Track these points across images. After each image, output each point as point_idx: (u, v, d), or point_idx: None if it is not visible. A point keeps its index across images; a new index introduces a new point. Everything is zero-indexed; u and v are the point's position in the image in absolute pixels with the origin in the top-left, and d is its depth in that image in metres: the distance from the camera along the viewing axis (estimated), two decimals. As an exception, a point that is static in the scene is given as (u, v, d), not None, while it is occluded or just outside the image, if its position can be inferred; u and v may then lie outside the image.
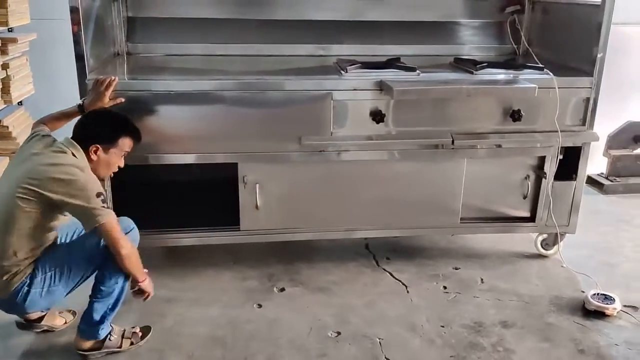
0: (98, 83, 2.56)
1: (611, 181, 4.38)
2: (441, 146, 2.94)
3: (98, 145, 2.31)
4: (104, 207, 2.17)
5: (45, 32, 4.34)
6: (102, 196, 2.18)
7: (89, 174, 2.23)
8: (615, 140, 4.42)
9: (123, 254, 2.21)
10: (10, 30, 4.00)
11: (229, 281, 3.01)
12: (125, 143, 2.41)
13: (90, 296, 2.34)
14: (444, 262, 3.25)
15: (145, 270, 2.37)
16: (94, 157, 2.31)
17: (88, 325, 2.35)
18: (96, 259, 2.27)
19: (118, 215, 2.78)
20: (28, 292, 2.19)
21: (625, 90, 4.55)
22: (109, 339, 2.41)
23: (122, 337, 2.45)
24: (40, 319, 2.52)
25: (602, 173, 4.46)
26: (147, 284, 2.36)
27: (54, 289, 2.24)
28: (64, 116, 2.55)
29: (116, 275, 2.30)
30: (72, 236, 2.46)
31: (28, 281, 2.19)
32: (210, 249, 3.22)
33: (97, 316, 2.33)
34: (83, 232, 2.28)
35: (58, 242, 2.38)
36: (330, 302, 2.84)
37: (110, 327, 2.43)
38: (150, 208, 3.09)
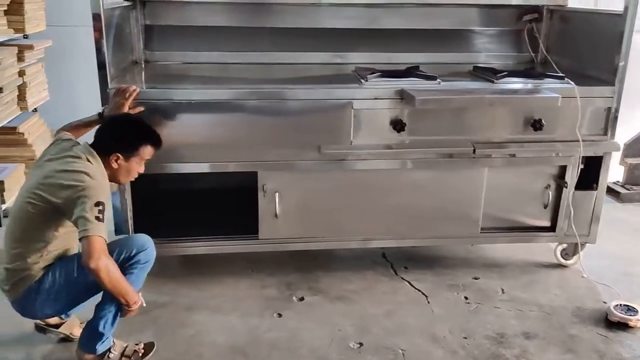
0: (119, 92, 2.56)
1: (627, 189, 4.35)
2: (462, 155, 2.92)
3: (119, 155, 2.30)
4: (98, 218, 2.06)
5: (59, 39, 4.36)
6: (100, 206, 2.09)
7: (98, 182, 2.18)
8: (632, 149, 4.39)
9: (92, 268, 2.04)
10: (25, 37, 4.01)
11: (248, 289, 2.99)
12: (146, 151, 2.40)
13: (95, 306, 2.31)
14: (462, 272, 3.23)
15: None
16: (114, 165, 2.30)
17: (89, 335, 2.32)
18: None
19: (139, 223, 2.82)
20: (36, 297, 2.19)
21: (640, 98, 4.52)
22: (109, 356, 2.35)
23: (122, 354, 2.38)
24: (58, 325, 2.50)
25: (619, 181, 4.43)
26: (135, 309, 2.25)
27: (61, 297, 2.22)
28: (84, 125, 2.54)
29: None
30: None
31: (36, 286, 2.18)
32: (229, 257, 3.21)
33: (96, 328, 2.28)
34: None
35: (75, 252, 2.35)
36: (350, 311, 2.82)
37: (112, 343, 2.36)
38: (169, 216, 3.10)
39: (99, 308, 2.28)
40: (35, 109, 4.25)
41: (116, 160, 2.30)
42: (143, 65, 3.35)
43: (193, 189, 3.33)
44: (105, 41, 2.60)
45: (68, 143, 2.32)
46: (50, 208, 2.13)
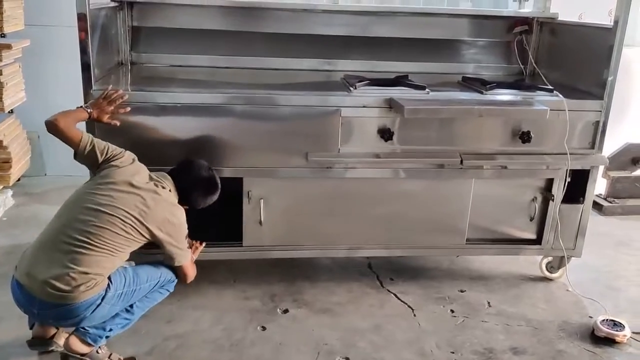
0: (107, 96, 2.49)
1: (610, 202, 4.38)
2: (449, 166, 2.90)
3: (187, 207, 2.48)
4: (188, 249, 2.48)
5: (38, 39, 4.24)
6: (187, 237, 2.46)
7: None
8: (615, 162, 4.41)
9: (188, 282, 2.53)
10: (3, 36, 3.89)
11: (231, 301, 2.91)
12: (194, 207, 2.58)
13: None
14: (448, 284, 3.19)
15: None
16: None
17: (98, 330, 2.28)
18: (154, 288, 2.41)
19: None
20: (99, 305, 2.17)
21: (624, 112, 4.57)
22: (97, 351, 2.34)
23: (109, 358, 2.39)
24: (52, 336, 2.41)
25: (601, 194, 4.46)
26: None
27: (115, 307, 2.26)
28: (76, 121, 2.42)
29: (150, 304, 2.43)
30: None
31: (104, 294, 2.17)
32: (211, 265, 3.12)
33: (109, 326, 2.30)
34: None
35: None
36: (335, 324, 2.76)
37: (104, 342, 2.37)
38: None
39: (129, 307, 2.35)
40: (11, 110, 4.11)
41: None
42: (129, 67, 3.27)
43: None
44: (90, 42, 2.52)
45: (146, 171, 2.42)
46: (147, 234, 2.27)
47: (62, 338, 2.41)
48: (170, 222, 2.32)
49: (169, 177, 2.46)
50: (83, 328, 2.28)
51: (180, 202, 2.46)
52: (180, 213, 2.41)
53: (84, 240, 2.14)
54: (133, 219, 2.22)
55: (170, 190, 2.41)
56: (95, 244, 2.15)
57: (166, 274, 2.43)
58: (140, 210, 2.24)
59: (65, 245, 2.14)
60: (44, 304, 2.12)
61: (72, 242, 2.14)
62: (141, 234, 2.25)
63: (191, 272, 2.51)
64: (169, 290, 2.49)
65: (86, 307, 2.14)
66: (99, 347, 2.33)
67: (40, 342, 2.39)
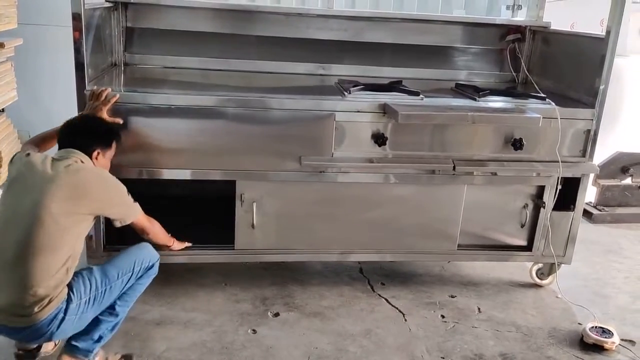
0: (94, 95, 2.47)
1: (600, 210, 4.41)
2: (442, 172, 2.91)
3: (99, 150, 2.29)
4: (135, 202, 2.33)
5: (31, 38, 4.21)
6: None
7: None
8: (605, 170, 4.45)
9: (150, 238, 2.45)
10: (-5, 34, 3.86)
11: (222, 304, 2.90)
12: (115, 146, 2.41)
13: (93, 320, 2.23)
14: (439, 289, 3.20)
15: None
16: (94, 162, 2.27)
17: (86, 342, 2.23)
18: (130, 281, 2.29)
19: (110, 230, 2.71)
20: (63, 319, 2.05)
21: (615, 121, 4.60)
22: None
23: None
24: (40, 346, 2.38)
25: (591, 202, 4.49)
26: (176, 245, 2.71)
27: (85, 315, 2.15)
28: (57, 133, 2.38)
29: (133, 298, 2.32)
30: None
31: (64, 306, 2.05)
32: (202, 269, 3.12)
33: (97, 334, 2.24)
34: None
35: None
36: (326, 328, 2.75)
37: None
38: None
39: (110, 310, 2.26)
40: (2, 109, 4.08)
41: (96, 157, 2.29)
42: (122, 68, 3.26)
43: (168, 196, 3.22)
44: (84, 42, 2.51)
45: (41, 155, 2.19)
46: (89, 212, 2.13)
47: (49, 345, 2.39)
48: (101, 186, 2.17)
49: (71, 150, 2.22)
50: (71, 344, 2.23)
51: (90, 154, 2.25)
52: (99, 172, 2.22)
53: (22, 256, 1.99)
54: (64, 205, 2.04)
55: (79, 161, 2.18)
56: (34, 253, 1.98)
57: (140, 261, 2.30)
58: (67, 194, 2.06)
59: (6, 267, 2.01)
60: (7, 328, 2.04)
61: (8, 259, 2.00)
62: (76, 212, 2.08)
63: (148, 225, 2.40)
64: (150, 277, 2.37)
65: (48, 323, 2.02)
66: (94, 355, 2.28)
67: (26, 355, 2.36)
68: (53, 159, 2.15)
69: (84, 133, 2.29)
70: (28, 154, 2.18)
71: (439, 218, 3.03)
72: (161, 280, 3.00)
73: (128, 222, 2.30)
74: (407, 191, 2.95)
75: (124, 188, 2.27)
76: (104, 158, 2.33)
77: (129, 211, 2.30)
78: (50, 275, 2.01)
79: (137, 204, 2.33)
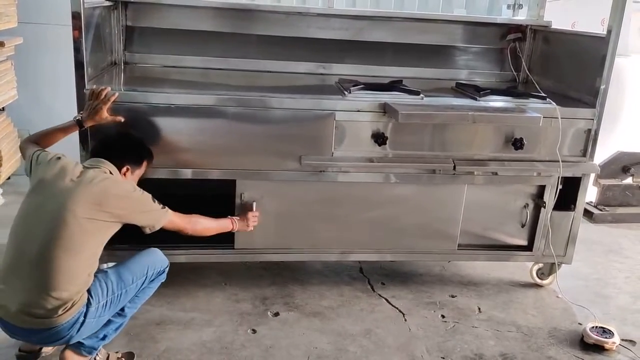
0: (94, 94, 2.46)
1: (600, 210, 4.40)
2: (442, 171, 2.90)
3: (129, 167, 2.37)
4: (163, 208, 2.34)
5: (31, 37, 4.21)
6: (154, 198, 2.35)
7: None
8: (606, 170, 4.44)
9: (197, 234, 2.51)
10: (-5, 33, 3.86)
11: (222, 303, 2.90)
12: (146, 165, 2.51)
13: None
14: (439, 289, 3.19)
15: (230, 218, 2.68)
16: (123, 177, 2.36)
17: (92, 340, 2.24)
18: (143, 285, 2.32)
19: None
20: (83, 322, 2.09)
21: (616, 120, 4.60)
22: (95, 358, 2.30)
23: None
24: (41, 348, 2.39)
25: (592, 202, 4.48)
26: (242, 225, 2.72)
27: (102, 318, 2.18)
28: (61, 132, 2.46)
29: (141, 301, 2.35)
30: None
31: (84, 310, 2.08)
32: (201, 269, 3.11)
33: (103, 333, 2.25)
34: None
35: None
36: (326, 328, 2.75)
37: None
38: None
39: (108, 321, 2.27)
40: (2, 107, 4.08)
41: (125, 174, 2.37)
42: (122, 67, 3.25)
43: (168, 195, 3.21)
44: (84, 40, 2.50)
45: (71, 161, 2.24)
46: (114, 220, 2.17)
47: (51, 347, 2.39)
48: (123, 197, 2.20)
49: (102, 160, 2.30)
50: (77, 343, 2.22)
51: (119, 169, 2.33)
52: (122, 184, 2.27)
53: (45, 256, 2.01)
54: (88, 211, 2.08)
55: (107, 172, 2.25)
56: (57, 254, 2.01)
57: (153, 266, 2.34)
58: (91, 200, 2.10)
59: (28, 266, 2.03)
60: (25, 330, 2.05)
61: (32, 257, 2.03)
62: (99, 219, 2.11)
63: (183, 225, 2.42)
64: (160, 281, 2.41)
65: (69, 327, 2.06)
66: (97, 352, 2.29)
67: (28, 356, 2.37)
68: (84, 166, 2.23)
69: (119, 148, 2.41)
70: (59, 157, 2.23)
71: (439, 218, 3.03)
72: (161, 280, 3.02)
73: (157, 228, 2.31)
74: (408, 191, 2.94)
75: (148, 196, 2.29)
76: (132, 175, 2.41)
77: (155, 217, 2.30)
78: (74, 278, 2.05)
79: (165, 209, 2.34)
